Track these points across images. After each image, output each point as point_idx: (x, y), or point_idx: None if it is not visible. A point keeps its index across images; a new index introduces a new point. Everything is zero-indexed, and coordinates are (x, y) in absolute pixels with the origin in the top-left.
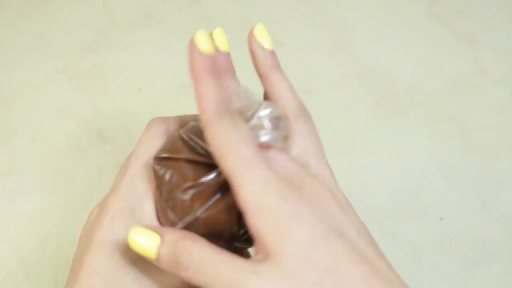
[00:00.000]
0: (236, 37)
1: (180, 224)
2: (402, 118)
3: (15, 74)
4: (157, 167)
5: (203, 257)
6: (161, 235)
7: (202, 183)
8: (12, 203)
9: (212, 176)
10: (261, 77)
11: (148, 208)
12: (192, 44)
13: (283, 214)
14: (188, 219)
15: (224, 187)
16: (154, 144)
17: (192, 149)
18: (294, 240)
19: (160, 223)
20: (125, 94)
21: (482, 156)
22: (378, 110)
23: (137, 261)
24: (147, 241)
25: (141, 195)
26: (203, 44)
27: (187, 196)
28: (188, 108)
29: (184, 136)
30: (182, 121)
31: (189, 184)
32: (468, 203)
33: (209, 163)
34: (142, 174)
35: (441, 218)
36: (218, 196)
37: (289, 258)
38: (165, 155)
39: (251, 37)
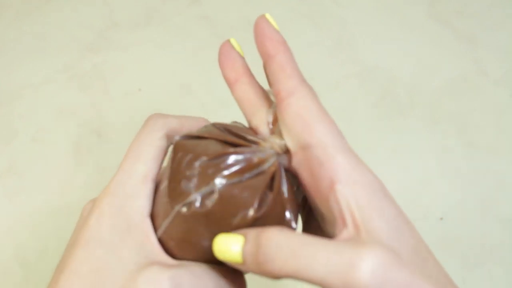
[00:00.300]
0: (236, 37)
1: (194, 195)
2: (402, 118)
3: (15, 74)
4: (181, 140)
5: (293, 242)
6: (243, 235)
7: (232, 154)
8: (12, 203)
9: (246, 154)
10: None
11: (138, 205)
12: (264, 20)
13: (377, 189)
14: (205, 190)
15: (256, 169)
16: (148, 139)
17: (224, 134)
18: (386, 216)
19: (153, 219)
20: (125, 94)
21: (482, 156)
22: (378, 110)
23: None
24: (234, 245)
25: (132, 192)
26: (274, 23)
27: (211, 164)
28: (188, 108)
29: (217, 126)
30: (181, 121)
31: (218, 152)
32: (468, 203)
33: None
34: (134, 170)
35: (441, 218)
36: (247, 175)
37: (382, 234)
38: (195, 134)
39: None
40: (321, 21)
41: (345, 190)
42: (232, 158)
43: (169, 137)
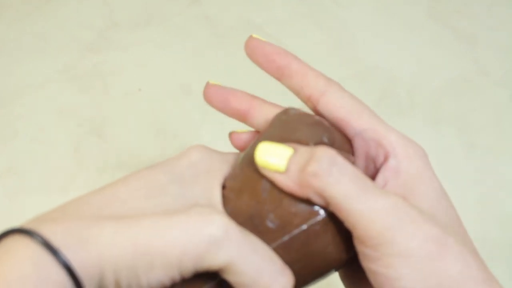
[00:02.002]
0: (236, 37)
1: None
2: (402, 118)
3: (15, 74)
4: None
5: (349, 167)
6: (294, 148)
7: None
8: (12, 203)
9: None
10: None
11: (224, 156)
12: (257, 40)
13: (426, 162)
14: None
15: None
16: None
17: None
18: (431, 187)
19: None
20: (125, 94)
21: (482, 156)
22: (378, 110)
23: None
24: (281, 151)
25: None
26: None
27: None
28: (188, 108)
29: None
30: (226, 158)
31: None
32: (468, 203)
33: None
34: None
35: None
36: None
37: (425, 201)
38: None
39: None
40: (321, 21)
41: (400, 164)
42: None
43: None
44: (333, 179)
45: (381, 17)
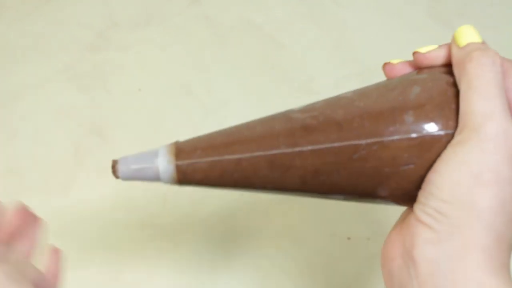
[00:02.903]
0: (236, 37)
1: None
2: None
3: (15, 74)
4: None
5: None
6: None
7: None
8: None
9: None
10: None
11: None
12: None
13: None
14: None
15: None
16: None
17: None
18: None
19: None
20: (125, 94)
21: None
22: None
23: None
24: (475, 34)
25: None
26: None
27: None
28: (188, 108)
29: None
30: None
31: None
32: None
33: None
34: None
35: None
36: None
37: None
38: None
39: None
40: (321, 21)
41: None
42: None
43: None
44: (484, 73)
45: (381, 17)
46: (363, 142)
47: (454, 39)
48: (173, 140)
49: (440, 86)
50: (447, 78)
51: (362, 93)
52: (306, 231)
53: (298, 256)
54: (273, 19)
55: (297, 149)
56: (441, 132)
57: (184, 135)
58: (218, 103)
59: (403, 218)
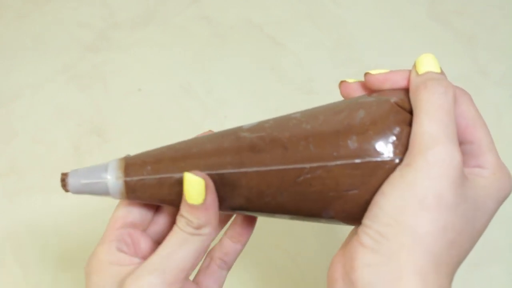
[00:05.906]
0: (236, 37)
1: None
2: None
3: (15, 74)
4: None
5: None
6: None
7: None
8: (12, 203)
9: None
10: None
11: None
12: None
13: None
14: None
15: None
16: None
17: None
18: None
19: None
20: (125, 94)
21: None
22: None
23: None
24: (436, 64)
25: None
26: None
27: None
28: (188, 108)
29: None
30: None
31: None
32: None
33: None
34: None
35: None
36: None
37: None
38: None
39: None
40: (321, 21)
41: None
42: None
43: None
44: (437, 99)
45: (381, 17)
46: (307, 166)
47: (414, 66)
48: (173, 141)
49: (384, 111)
50: (393, 102)
51: (310, 115)
52: (306, 231)
53: (298, 256)
54: (273, 19)
55: (243, 169)
56: (385, 157)
57: (184, 135)
58: (218, 103)
59: (348, 240)
